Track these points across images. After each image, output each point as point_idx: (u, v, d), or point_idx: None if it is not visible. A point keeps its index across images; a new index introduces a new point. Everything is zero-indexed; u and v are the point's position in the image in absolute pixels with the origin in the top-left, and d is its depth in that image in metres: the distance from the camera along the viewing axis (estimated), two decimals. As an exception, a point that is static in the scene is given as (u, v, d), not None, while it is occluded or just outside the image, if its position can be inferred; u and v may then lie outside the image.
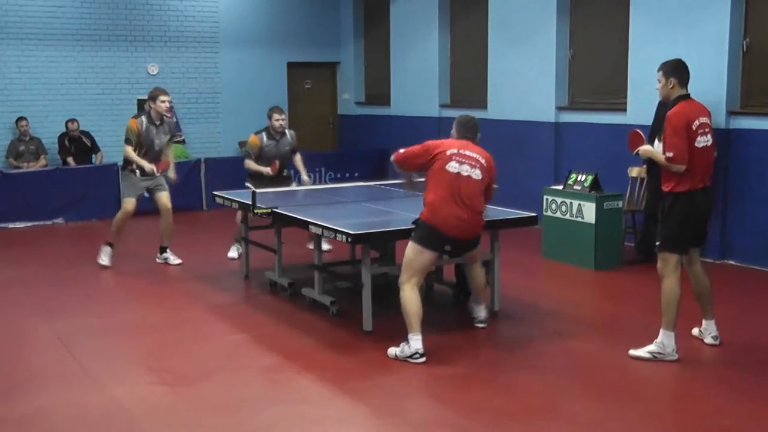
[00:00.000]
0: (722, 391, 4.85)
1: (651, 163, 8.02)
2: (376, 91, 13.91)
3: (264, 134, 8.33)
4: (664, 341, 5.29)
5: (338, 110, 14.85)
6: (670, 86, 5.38)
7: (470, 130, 5.73)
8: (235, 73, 13.56)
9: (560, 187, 8.36)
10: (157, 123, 8.13)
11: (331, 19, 14.39)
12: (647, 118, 8.19)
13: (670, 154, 5.20)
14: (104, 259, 8.30)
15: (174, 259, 8.43)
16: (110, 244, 8.36)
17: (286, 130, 8.51)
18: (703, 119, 5.30)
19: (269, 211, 6.73)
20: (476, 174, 5.45)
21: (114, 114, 12.66)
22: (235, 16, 13.50)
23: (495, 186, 5.74)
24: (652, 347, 5.32)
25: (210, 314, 6.60)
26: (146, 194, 8.40)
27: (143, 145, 8.06)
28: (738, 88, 8.06)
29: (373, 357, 5.47)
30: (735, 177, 8.05)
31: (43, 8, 12.06)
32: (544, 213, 8.39)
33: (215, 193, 7.90)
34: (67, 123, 11.93)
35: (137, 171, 8.11)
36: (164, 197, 8.32)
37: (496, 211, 6.80)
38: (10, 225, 10.62)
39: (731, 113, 8.03)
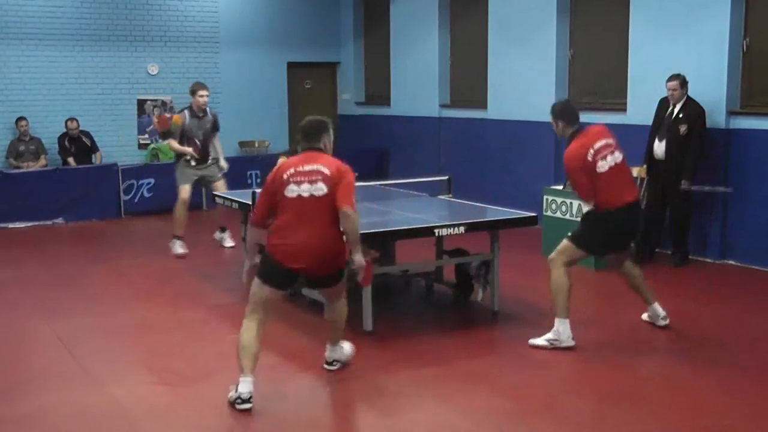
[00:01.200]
0: (722, 391, 4.86)
1: (650, 163, 8.07)
2: (376, 91, 13.91)
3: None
4: (559, 329, 5.56)
5: (338, 110, 14.85)
6: (561, 127, 5.72)
7: (312, 137, 4.80)
8: (235, 73, 13.55)
9: (560, 187, 8.36)
10: (200, 115, 8.73)
11: (331, 19, 14.39)
12: (647, 118, 8.20)
13: (578, 194, 5.69)
14: (179, 249, 8.72)
15: (229, 241, 9.07)
16: (179, 237, 8.78)
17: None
18: (600, 143, 5.55)
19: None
20: (319, 189, 4.59)
21: (114, 114, 12.66)
22: (235, 16, 13.49)
23: (345, 203, 4.60)
24: (549, 335, 5.60)
25: (210, 314, 6.60)
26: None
27: (188, 136, 8.62)
28: (738, 88, 8.06)
29: (374, 356, 5.47)
30: (735, 177, 8.05)
31: (43, 8, 12.05)
32: (544, 213, 8.39)
33: (215, 193, 7.90)
34: (66, 122, 11.92)
35: (191, 161, 8.64)
36: (221, 186, 8.80)
37: (496, 212, 6.81)
38: (10, 225, 10.61)
39: (731, 113, 8.03)
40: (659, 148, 8.00)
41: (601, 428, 4.37)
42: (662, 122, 8.03)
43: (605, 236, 5.66)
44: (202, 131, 8.72)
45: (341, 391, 4.92)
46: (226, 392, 4.88)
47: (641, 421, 4.41)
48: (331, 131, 4.89)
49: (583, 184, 5.51)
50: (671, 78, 7.84)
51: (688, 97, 7.88)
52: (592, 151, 5.49)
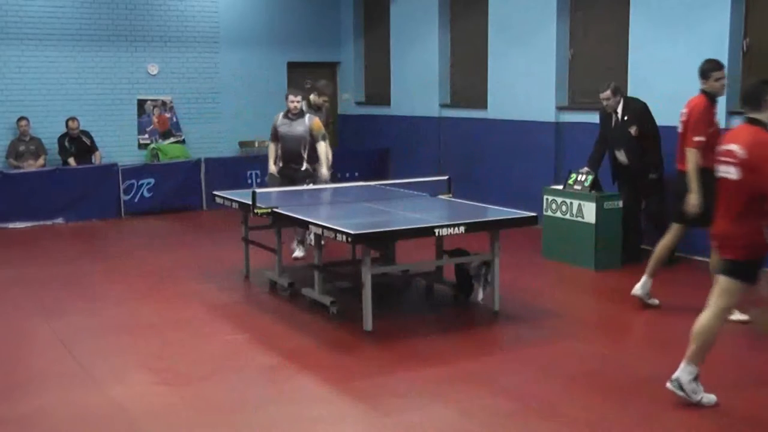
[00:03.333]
0: (722, 391, 4.85)
1: (618, 171, 8.34)
2: (376, 91, 13.91)
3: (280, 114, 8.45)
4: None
5: (338, 110, 14.85)
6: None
7: (747, 104, 4.29)
8: (235, 73, 13.54)
9: (560, 187, 8.36)
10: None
11: (331, 19, 14.39)
12: (647, 118, 8.20)
13: None
14: (299, 253, 8.54)
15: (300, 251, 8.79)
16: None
17: (307, 115, 8.44)
18: (684, 110, 6.35)
19: (269, 211, 6.73)
20: (731, 173, 4.30)
21: (114, 114, 12.66)
22: (235, 16, 13.49)
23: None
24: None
25: (210, 314, 6.60)
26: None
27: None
28: (738, 89, 8.05)
29: (374, 356, 5.47)
30: (735, 177, 8.04)
31: (43, 8, 12.05)
32: (544, 213, 8.39)
33: (215, 193, 7.91)
34: (67, 122, 11.91)
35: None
36: None
37: (496, 211, 6.81)
38: (10, 225, 10.61)
39: (731, 113, 8.02)
40: (621, 155, 8.15)
41: (601, 428, 4.37)
42: (612, 132, 8.12)
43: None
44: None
45: (341, 392, 4.92)
46: (226, 392, 4.88)
47: (642, 421, 4.41)
48: None
49: None
50: (603, 89, 8.06)
51: (626, 98, 8.02)
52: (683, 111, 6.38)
